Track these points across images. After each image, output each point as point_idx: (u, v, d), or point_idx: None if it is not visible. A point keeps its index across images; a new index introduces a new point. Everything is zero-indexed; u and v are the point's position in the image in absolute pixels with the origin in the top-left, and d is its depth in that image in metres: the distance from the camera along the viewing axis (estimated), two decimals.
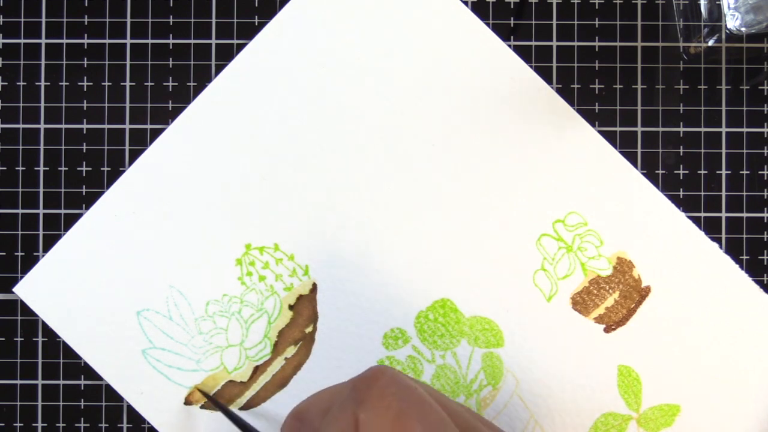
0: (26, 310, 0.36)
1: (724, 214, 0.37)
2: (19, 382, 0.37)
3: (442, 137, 0.36)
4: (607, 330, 0.36)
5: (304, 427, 0.29)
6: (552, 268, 0.36)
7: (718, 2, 0.36)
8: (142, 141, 0.37)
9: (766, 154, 0.37)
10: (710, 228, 0.37)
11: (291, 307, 0.36)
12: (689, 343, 0.36)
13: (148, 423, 0.36)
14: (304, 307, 0.36)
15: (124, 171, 0.37)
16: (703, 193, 0.37)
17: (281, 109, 0.36)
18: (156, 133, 0.37)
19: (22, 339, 0.37)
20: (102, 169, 0.37)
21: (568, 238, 0.36)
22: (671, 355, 0.36)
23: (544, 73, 0.37)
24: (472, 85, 0.36)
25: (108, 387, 0.36)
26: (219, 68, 0.37)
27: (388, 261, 0.36)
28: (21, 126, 0.37)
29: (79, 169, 0.37)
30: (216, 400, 0.35)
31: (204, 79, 0.37)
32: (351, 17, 0.37)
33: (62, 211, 0.37)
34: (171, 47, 0.37)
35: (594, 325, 0.36)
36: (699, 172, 0.37)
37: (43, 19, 0.37)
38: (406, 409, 0.25)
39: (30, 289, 0.36)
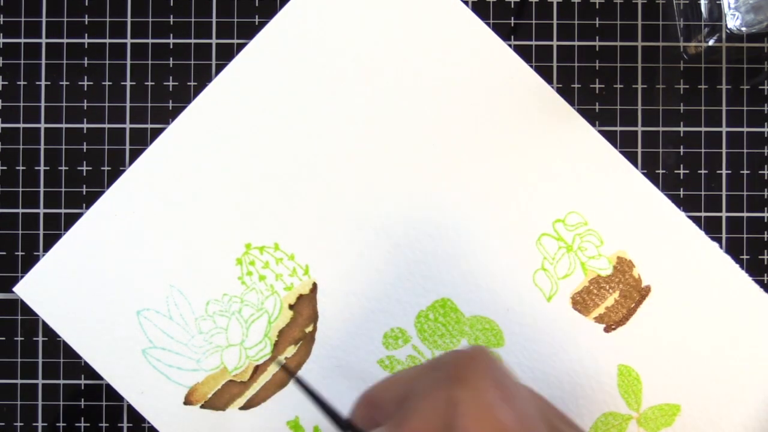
0: (26, 309, 0.36)
1: (724, 214, 0.37)
2: (19, 381, 0.37)
3: (443, 137, 0.36)
4: (607, 330, 0.36)
5: (379, 413, 0.28)
6: (552, 268, 0.36)
7: (718, 2, 0.36)
8: (142, 141, 0.37)
9: (766, 154, 0.37)
10: (710, 228, 0.37)
11: (291, 307, 0.36)
12: (689, 343, 0.36)
13: (148, 423, 0.36)
14: (305, 307, 0.36)
15: (124, 171, 0.37)
16: (703, 193, 0.37)
17: (281, 108, 0.36)
18: (156, 133, 0.37)
19: (22, 339, 0.37)
20: (102, 168, 0.37)
21: (568, 237, 0.36)
22: (671, 355, 0.36)
23: (544, 73, 0.37)
24: (472, 85, 0.36)
25: (108, 387, 0.36)
26: (219, 68, 0.37)
27: (389, 260, 0.36)
28: (21, 125, 0.37)
29: (79, 168, 0.37)
30: (300, 378, 0.34)
31: (204, 78, 0.37)
32: (351, 17, 0.37)
33: (62, 211, 0.37)
34: (171, 47, 0.37)
35: (594, 324, 0.36)
36: (699, 171, 0.37)
37: (44, 19, 0.37)
38: (504, 396, 0.24)
39: (30, 289, 0.36)
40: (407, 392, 0.27)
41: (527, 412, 0.25)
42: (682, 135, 0.37)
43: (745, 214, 0.37)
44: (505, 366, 0.26)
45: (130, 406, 0.36)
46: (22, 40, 0.37)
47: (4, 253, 0.37)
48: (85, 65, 0.37)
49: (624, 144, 0.37)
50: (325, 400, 0.31)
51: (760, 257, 0.37)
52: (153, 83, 0.37)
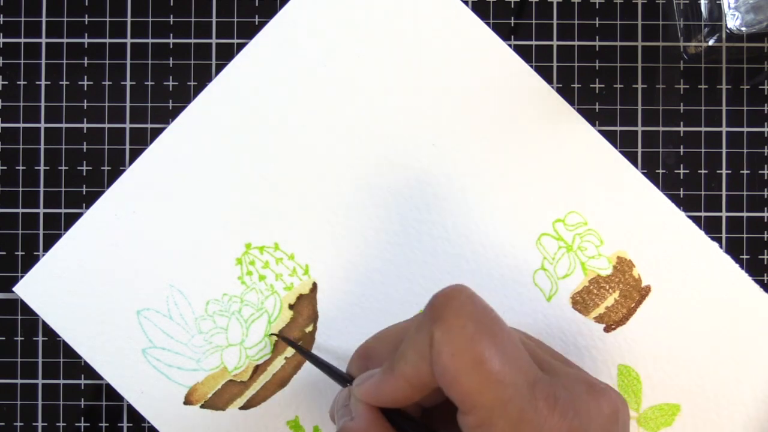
0: (26, 309, 0.36)
1: (724, 214, 0.37)
2: (19, 381, 0.37)
3: (442, 137, 0.36)
4: (607, 329, 0.36)
5: (372, 363, 0.29)
6: (552, 268, 0.36)
7: (718, 2, 0.36)
8: (142, 141, 0.37)
9: (766, 154, 0.37)
10: (710, 228, 0.37)
11: (291, 307, 0.36)
12: (689, 343, 0.36)
13: (148, 423, 0.36)
14: (304, 307, 0.36)
15: (124, 170, 0.37)
16: (703, 193, 0.37)
17: (281, 108, 0.36)
18: (156, 133, 0.37)
19: (22, 338, 0.37)
20: (102, 168, 0.37)
21: (568, 237, 0.36)
22: (671, 355, 0.36)
23: (544, 73, 0.37)
24: (472, 85, 0.36)
25: (108, 387, 0.36)
26: (219, 68, 0.37)
27: (389, 260, 0.36)
28: (21, 125, 0.37)
29: (79, 168, 0.37)
30: (292, 342, 0.35)
31: (204, 78, 0.37)
32: (351, 17, 0.37)
33: (62, 211, 0.37)
34: (171, 47, 0.37)
35: (594, 324, 0.36)
36: (699, 171, 0.37)
37: (44, 19, 0.37)
38: (481, 330, 0.25)
39: (30, 289, 0.36)
40: (398, 342, 0.27)
41: (508, 343, 0.25)
42: (682, 135, 0.37)
43: (745, 214, 0.37)
44: (485, 302, 0.26)
45: (130, 406, 0.36)
46: (22, 40, 0.37)
47: (4, 253, 0.37)
48: (85, 65, 0.37)
49: (624, 144, 0.37)
50: (323, 360, 0.33)
51: (760, 257, 0.37)
52: (153, 83, 0.37)
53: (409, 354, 0.26)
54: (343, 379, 0.31)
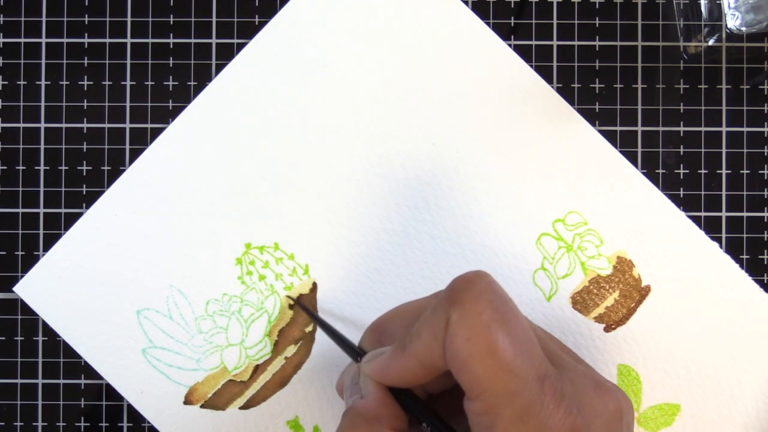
0: (26, 309, 0.36)
1: (724, 214, 0.37)
2: (19, 381, 0.37)
3: (442, 137, 0.36)
4: (607, 329, 0.36)
5: (385, 338, 0.30)
6: (552, 268, 0.36)
7: (718, 2, 0.36)
8: (142, 140, 0.37)
9: (766, 154, 0.37)
10: (710, 228, 0.37)
11: (291, 307, 0.36)
12: (689, 343, 0.36)
13: (148, 422, 0.36)
14: None
15: (124, 170, 0.37)
16: (703, 193, 0.37)
17: (281, 108, 0.36)
18: (156, 133, 0.37)
19: (22, 338, 0.37)
20: (102, 168, 0.37)
21: (568, 237, 0.36)
22: (671, 355, 0.36)
23: (544, 73, 0.37)
24: (472, 85, 0.36)
25: (108, 386, 0.36)
26: (219, 67, 0.37)
27: (389, 260, 0.36)
28: (21, 125, 0.37)
29: (79, 168, 0.37)
30: (308, 308, 0.35)
31: (204, 78, 0.37)
32: (351, 17, 0.37)
33: (62, 211, 0.37)
34: (171, 46, 0.37)
35: (594, 324, 0.36)
36: (699, 171, 0.37)
37: (44, 19, 0.37)
38: (498, 319, 0.25)
39: (30, 289, 0.36)
40: (413, 319, 0.27)
41: (522, 334, 0.25)
42: (682, 135, 0.37)
43: (745, 214, 0.37)
44: (505, 291, 0.26)
45: (130, 406, 0.36)
46: (22, 40, 0.37)
47: (4, 253, 0.37)
48: (85, 65, 0.37)
49: (624, 144, 0.37)
50: (337, 332, 0.33)
51: (760, 257, 0.37)
52: (153, 83, 0.37)
53: (423, 333, 0.26)
54: (355, 352, 0.31)
